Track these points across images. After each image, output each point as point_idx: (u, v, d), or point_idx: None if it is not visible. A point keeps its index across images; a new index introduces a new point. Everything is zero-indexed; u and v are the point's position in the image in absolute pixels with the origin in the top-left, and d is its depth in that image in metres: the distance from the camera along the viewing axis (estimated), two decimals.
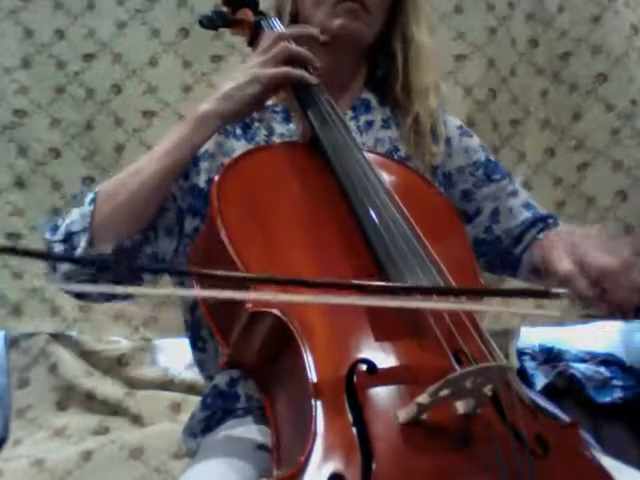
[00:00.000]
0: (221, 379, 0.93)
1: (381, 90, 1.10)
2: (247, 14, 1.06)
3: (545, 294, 0.66)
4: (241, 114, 0.91)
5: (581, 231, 0.83)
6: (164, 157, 0.88)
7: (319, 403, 0.62)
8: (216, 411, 0.94)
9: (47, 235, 0.92)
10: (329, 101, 0.93)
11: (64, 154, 1.65)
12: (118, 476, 1.44)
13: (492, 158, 1.12)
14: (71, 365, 1.60)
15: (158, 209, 0.92)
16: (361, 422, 0.61)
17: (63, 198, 1.63)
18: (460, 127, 1.13)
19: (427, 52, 1.05)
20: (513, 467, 0.59)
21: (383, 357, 0.67)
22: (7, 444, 1.52)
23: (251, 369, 0.76)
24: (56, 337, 1.62)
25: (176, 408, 1.58)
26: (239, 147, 0.99)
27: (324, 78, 0.95)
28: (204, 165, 0.98)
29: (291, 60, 0.91)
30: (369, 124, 1.06)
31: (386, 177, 0.89)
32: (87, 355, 1.64)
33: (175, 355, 1.65)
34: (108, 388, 1.60)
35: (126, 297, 0.98)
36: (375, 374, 0.65)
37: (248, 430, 0.87)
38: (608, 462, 0.70)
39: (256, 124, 1.02)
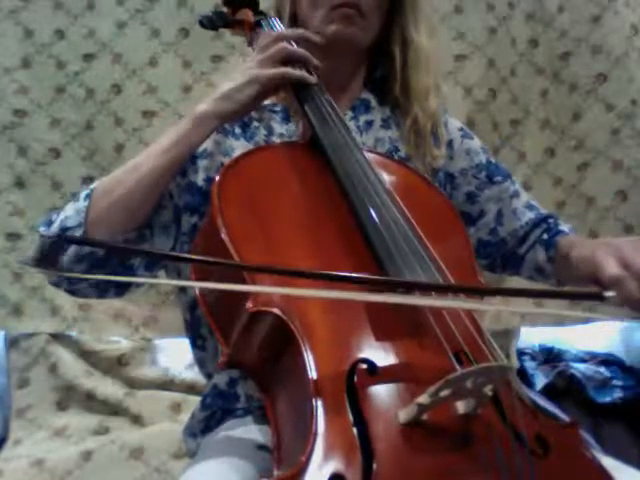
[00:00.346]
0: (221, 379, 0.93)
1: (381, 90, 1.10)
2: (247, 14, 1.06)
3: (595, 297, 0.65)
4: (239, 114, 0.91)
5: (615, 239, 0.88)
6: (162, 155, 0.88)
7: (320, 403, 0.62)
8: (216, 411, 0.94)
9: (41, 229, 0.92)
10: (329, 101, 0.93)
11: (64, 154, 1.65)
12: (118, 476, 1.44)
13: (492, 160, 1.13)
14: (71, 365, 1.60)
15: (154, 207, 0.91)
16: (362, 422, 0.61)
17: (63, 198, 1.62)
18: (461, 129, 1.13)
19: (426, 54, 1.05)
20: (513, 467, 0.59)
21: (384, 357, 0.67)
22: (7, 444, 1.52)
23: (251, 369, 0.76)
24: (56, 337, 1.62)
25: (176, 408, 1.58)
26: (238, 146, 0.99)
27: (323, 80, 0.96)
28: (202, 163, 0.97)
29: (290, 60, 0.91)
30: (369, 124, 1.06)
31: (386, 177, 0.89)
32: (87, 355, 1.64)
33: (175, 355, 1.65)
34: (108, 388, 1.60)
35: (121, 292, 0.96)
36: (376, 374, 0.65)
37: (248, 430, 0.87)
38: (608, 462, 0.69)
39: (255, 123, 1.02)
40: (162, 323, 1.68)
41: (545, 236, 1.05)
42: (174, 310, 1.48)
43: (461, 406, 0.62)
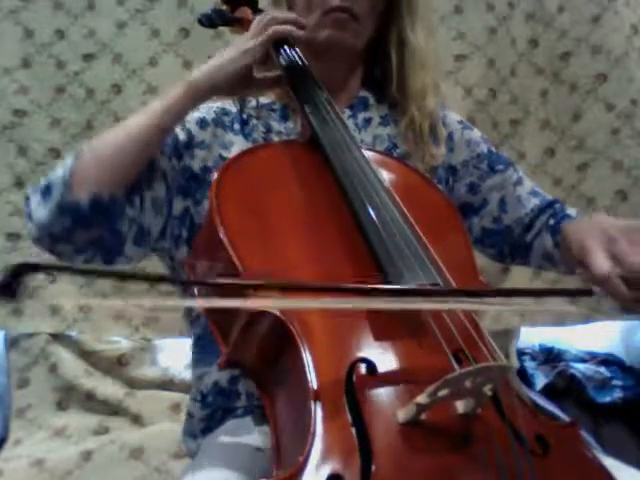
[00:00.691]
0: (222, 376, 0.93)
1: (379, 88, 1.10)
2: (246, 12, 1.06)
3: (580, 293, 0.64)
4: (233, 86, 0.91)
5: (614, 221, 0.81)
6: (152, 117, 0.88)
7: (318, 403, 0.62)
8: (216, 410, 0.94)
9: (28, 191, 0.91)
10: (328, 99, 0.93)
11: (64, 154, 1.65)
12: (118, 476, 1.44)
13: (494, 149, 1.13)
14: (71, 365, 1.61)
15: (142, 169, 0.89)
16: (360, 422, 0.60)
17: None
18: (460, 122, 1.13)
19: (423, 54, 1.04)
20: (513, 467, 0.59)
21: (382, 357, 0.67)
22: (7, 444, 1.52)
23: (251, 369, 0.76)
24: (56, 337, 1.63)
25: (176, 408, 1.58)
26: (237, 141, 0.99)
27: (320, 80, 0.96)
28: (200, 153, 0.98)
29: (278, 24, 0.93)
30: (367, 121, 1.06)
31: (385, 175, 0.89)
32: (87, 355, 1.64)
33: (175, 355, 1.65)
34: (108, 388, 1.60)
35: (109, 260, 0.91)
36: (374, 374, 0.65)
37: (248, 431, 0.86)
38: (608, 462, 0.69)
39: (254, 121, 1.03)
40: (162, 323, 1.68)
41: (551, 221, 1.04)
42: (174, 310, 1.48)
43: (460, 406, 0.62)
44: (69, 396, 1.59)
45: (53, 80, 1.67)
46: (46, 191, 0.87)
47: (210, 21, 1.05)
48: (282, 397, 0.71)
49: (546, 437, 0.65)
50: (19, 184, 1.64)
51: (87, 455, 1.46)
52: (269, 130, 1.02)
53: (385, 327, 0.69)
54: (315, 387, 0.63)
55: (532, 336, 1.82)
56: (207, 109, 1.02)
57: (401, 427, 0.60)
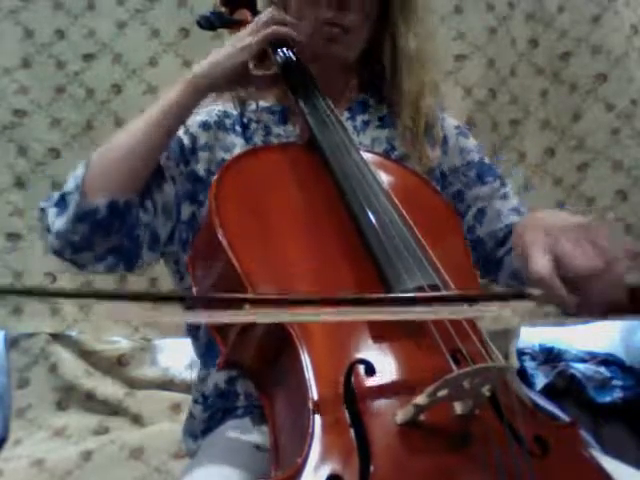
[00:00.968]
0: (220, 377, 0.93)
1: (377, 90, 1.09)
2: (245, 14, 1.06)
3: (515, 296, 0.64)
4: (232, 81, 0.92)
5: (564, 217, 0.76)
6: (154, 117, 0.89)
7: (317, 404, 0.62)
8: (217, 411, 0.94)
9: (41, 204, 0.92)
10: (327, 102, 0.93)
11: (64, 154, 1.65)
12: (118, 476, 1.44)
13: (487, 160, 1.10)
14: (71, 365, 1.61)
15: (150, 172, 0.90)
16: (359, 423, 0.61)
17: None
18: (457, 127, 1.12)
19: (419, 58, 1.03)
20: (511, 467, 0.59)
21: (381, 358, 0.67)
22: (7, 444, 1.52)
23: (249, 370, 0.76)
24: (56, 337, 1.63)
25: (176, 408, 1.58)
26: (238, 143, 1.00)
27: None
28: (203, 155, 0.99)
29: (276, 23, 0.93)
30: (366, 124, 1.06)
31: (384, 177, 0.89)
32: (87, 355, 1.64)
33: (175, 355, 1.65)
34: (108, 388, 1.61)
35: (130, 267, 0.92)
36: (373, 375, 0.65)
37: (247, 431, 0.87)
38: (608, 462, 0.69)
39: (254, 124, 1.03)
40: (162, 323, 1.68)
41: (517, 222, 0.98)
42: (174, 310, 1.48)
43: (459, 406, 0.62)
44: (69, 396, 1.59)
45: (53, 80, 1.67)
46: (61, 202, 0.88)
47: (209, 23, 1.05)
48: (281, 398, 0.71)
49: (545, 437, 0.65)
50: (19, 184, 1.64)
51: (87, 455, 1.46)
52: (268, 133, 1.02)
53: (383, 328, 0.69)
54: (314, 388, 0.63)
55: (532, 336, 1.81)
56: (209, 112, 1.03)
57: (399, 428, 0.61)
